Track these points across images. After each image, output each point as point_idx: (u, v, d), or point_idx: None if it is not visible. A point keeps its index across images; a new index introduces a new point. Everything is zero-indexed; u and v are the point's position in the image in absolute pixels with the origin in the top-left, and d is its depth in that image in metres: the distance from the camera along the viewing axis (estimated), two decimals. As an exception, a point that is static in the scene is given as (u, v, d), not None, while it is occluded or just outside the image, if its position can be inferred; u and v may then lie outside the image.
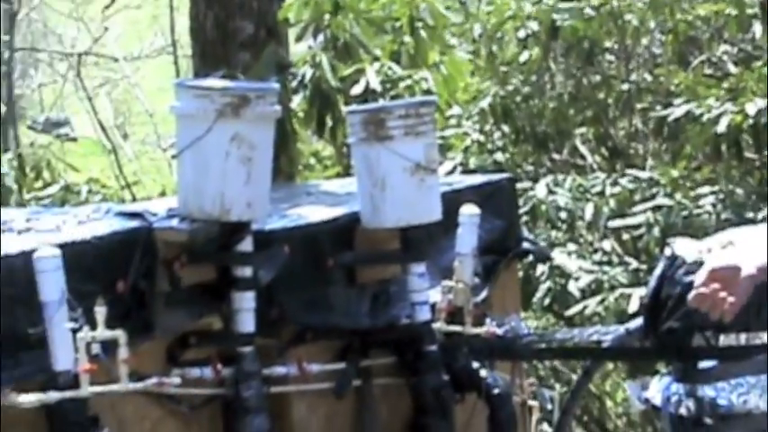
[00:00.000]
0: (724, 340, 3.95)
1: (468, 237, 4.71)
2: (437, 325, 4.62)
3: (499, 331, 4.76)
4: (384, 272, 4.63)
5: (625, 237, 8.01)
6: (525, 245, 5.38)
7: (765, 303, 3.79)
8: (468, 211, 4.72)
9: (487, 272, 5.05)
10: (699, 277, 2.73)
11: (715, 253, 3.96)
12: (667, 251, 4.17)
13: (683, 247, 4.09)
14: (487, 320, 4.77)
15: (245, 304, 4.03)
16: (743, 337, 3.96)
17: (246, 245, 4.02)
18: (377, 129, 4.39)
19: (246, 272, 4.02)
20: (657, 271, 4.10)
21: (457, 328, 4.64)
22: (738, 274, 2.74)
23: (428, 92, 7.07)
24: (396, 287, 4.59)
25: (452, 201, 4.74)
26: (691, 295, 2.72)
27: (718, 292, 2.71)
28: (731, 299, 2.72)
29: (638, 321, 4.17)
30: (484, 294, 4.95)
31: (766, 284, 2.80)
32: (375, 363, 4.58)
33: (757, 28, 8.19)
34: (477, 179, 5.48)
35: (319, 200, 5.00)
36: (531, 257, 5.26)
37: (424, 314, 4.56)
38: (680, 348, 3.96)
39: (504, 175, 5.63)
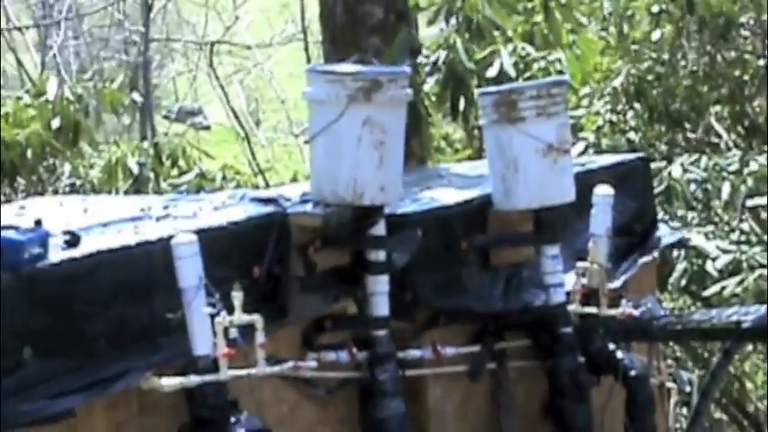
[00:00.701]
0: None
1: (602, 217, 4.66)
2: (572, 307, 4.59)
3: (635, 312, 4.71)
4: (517, 254, 4.61)
5: (763, 216, 7.85)
6: (660, 226, 5.31)
7: None
8: (602, 192, 4.67)
9: (622, 253, 5.00)
10: None
11: None
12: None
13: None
14: (623, 302, 4.72)
15: (379, 288, 4.04)
16: None
17: (380, 229, 4.04)
18: (508, 110, 4.37)
19: (380, 256, 4.04)
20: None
21: (592, 309, 4.60)
22: None
23: (561, 72, 7.01)
24: (529, 270, 4.57)
25: (586, 181, 4.70)
26: None
27: None
28: None
29: (779, 302, 4.09)
30: (622, 278, 4.90)
31: None
32: (510, 345, 4.57)
33: None
34: (611, 159, 5.42)
35: (451, 182, 5.00)
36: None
37: (558, 296, 4.53)
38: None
39: (638, 155, 5.57)
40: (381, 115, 3.88)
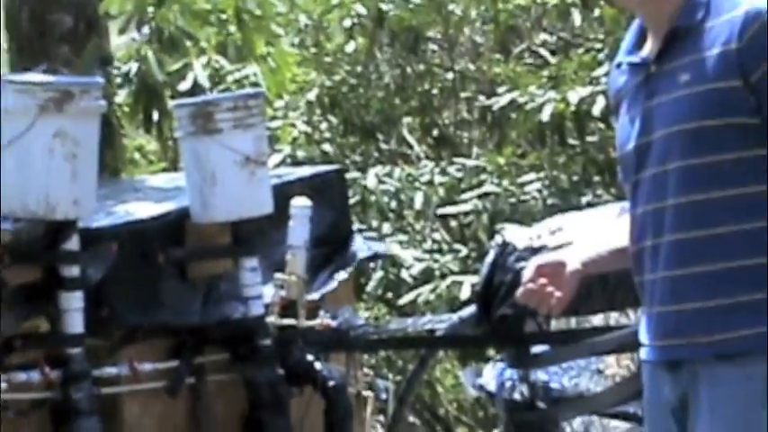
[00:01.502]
0: (555, 325, 4.01)
1: (299, 229, 4.67)
2: (271, 319, 4.58)
3: (333, 323, 4.74)
4: (216, 267, 4.57)
5: (453, 224, 8.07)
6: (357, 238, 5.38)
7: (592, 289, 3.84)
8: (300, 204, 4.68)
9: (320, 264, 5.03)
10: (526, 273, 2.76)
11: (545, 239, 4.01)
12: (498, 239, 4.21)
13: (514, 235, 4.13)
14: (321, 313, 4.75)
15: (73, 304, 3.92)
16: (573, 321, 4.02)
17: (73, 243, 3.92)
18: (205, 122, 4.32)
19: (73, 271, 3.92)
20: (489, 258, 4.13)
21: (291, 321, 4.61)
22: (564, 269, 2.77)
23: (256, 84, 7.00)
24: (228, 282, 4.54)
25: (283, 193, 4.70)
26: (519, 292, 2.75)
27: (545, 287, 2.74)
28: (558, 294, 2.75)
29: (471, 309, 4.20)
30: (320, 289, 4.93)
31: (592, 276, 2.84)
32: (209, 359, 4.51)
33: (576, 17, 8.33)
34: (307, 171, 5.45)
35: (147, 195, 4.91)
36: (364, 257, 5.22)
37: (257, 309, 4.51)
38: (512, 334, 4.00)
39: (334, 167, 5.62)
40: (73, 127, 3.77)
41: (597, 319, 4.00)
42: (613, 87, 2.83)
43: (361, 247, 5.42)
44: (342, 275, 5.11)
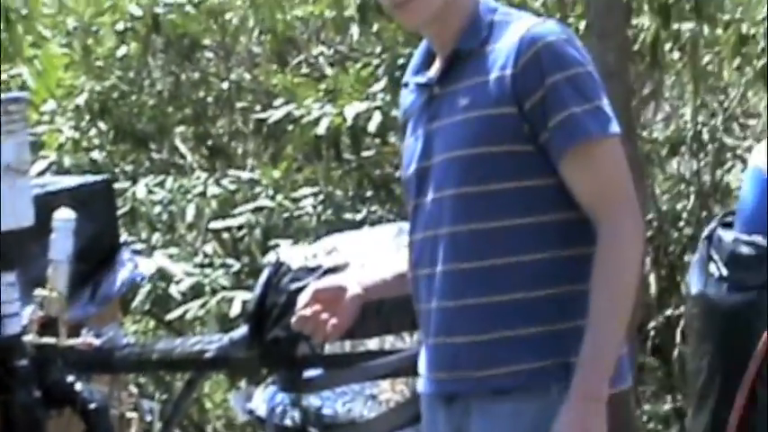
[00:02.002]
0: (329, 349, 3.88)
1: (62, 243, 4.43)
2: (28, 338, 4.32)
3: (96, 342, 4.51)
4: (-30, 282, 4.28)
5: (226, 237, 7.88)
6: (124, 252, 5.16)
7: (367, 312, 3.74)
8: (63, 216, 4.44)
9: (84, 279, 4.80)
10: (301, 299, 2.63)
11: (320, 259, 3.89)
12: (272, 258, 4.05)
13: (289, 254, 3.99)
14: (83, 331, 4.51)
15: None
16: (347, 345, 3.90)
17: None
18: (-39, 127, 4.04)
19: None
20: (262, 278, 3.98)
21: (50, 340, 4.35)
22: (343, 294, 2.66)
23: (24, 87, 6.68)
24: (-17, 299, 4.25)
25: (46, 204, 4.45)
26: (293, 319, 2.62)
27: (320, 314, 2.62)
28: (334, 320, 2.63)
29: (243, 330, 4.03)
30: (83, 305, 4.69)
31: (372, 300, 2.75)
32: (-41, 381, 4.23)
33: (354, 30, 8.25)
34: (73, 181, 5.20)
35: None
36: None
37: (13, 327, 4.24)
38: (285, 357, 3.85)
39: (101, 177, 5.39)
40: None
41: (372, 343, 3.89)
42: (402, 107, 2.75)
43: (128, 261, 5.20)
44: (106, 292, 4.88)
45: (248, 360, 3.90)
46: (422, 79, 2.64)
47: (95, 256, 4.94)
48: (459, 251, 2.51)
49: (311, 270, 3.78)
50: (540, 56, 2.48)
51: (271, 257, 4.07)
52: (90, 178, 5.37)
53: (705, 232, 3.71)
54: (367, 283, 2.71)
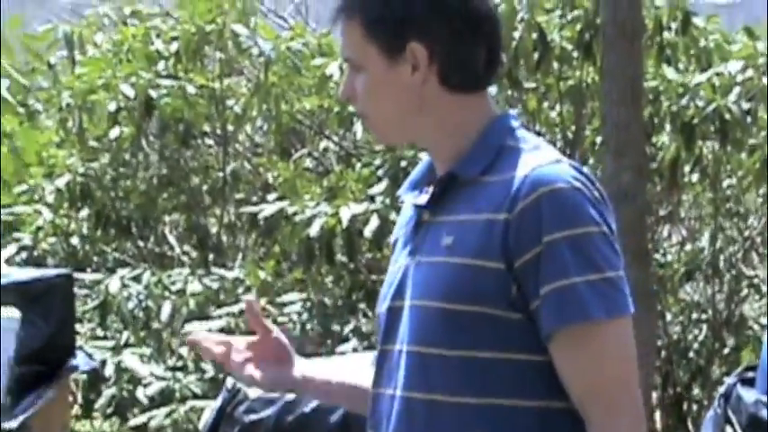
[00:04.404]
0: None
1: (5, 345, 4.00)
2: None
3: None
4: None
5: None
6: (79, 354, 4.68)
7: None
8: (7, 315, 4.02)
9: (28, 385, 4.32)
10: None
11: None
12: (228, 382, 3.56)
13: (247, 380, 3.48)
14: (19, 447, 4.02)
15: None
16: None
17: None
18: None
19: None
20: (216, 404, 3.50)
21: (-22, 455, 3.87)
22: (284, 360, 2.32)
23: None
24: None
25: (-10, 300, 4.00)
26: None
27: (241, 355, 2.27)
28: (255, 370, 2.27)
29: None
30: (24, 415, 4.22)
31: None
32: None
33: (359, 127, 7.84)
34: (27, 274, 4.76)
35: None
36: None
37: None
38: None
39: (59, 271, 4.96)
40: None
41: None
42: (399, 221, 2.24)
43: (83, 363, 4.74)
44: (50, 395, 4.41)
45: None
46: (415, 198, 2.16)
47: (46, 359, 4.48)
48: (411, 424, 2.04)
49: (269, 401, 3.30)
50: (540, 205, 1.99)
51: (227, 382, 3.56)
52: (48, 272, 4.94)
53: (722, 389, 3.30)
54: (313, 375, 2.26)
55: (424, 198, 2.13)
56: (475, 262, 2.00)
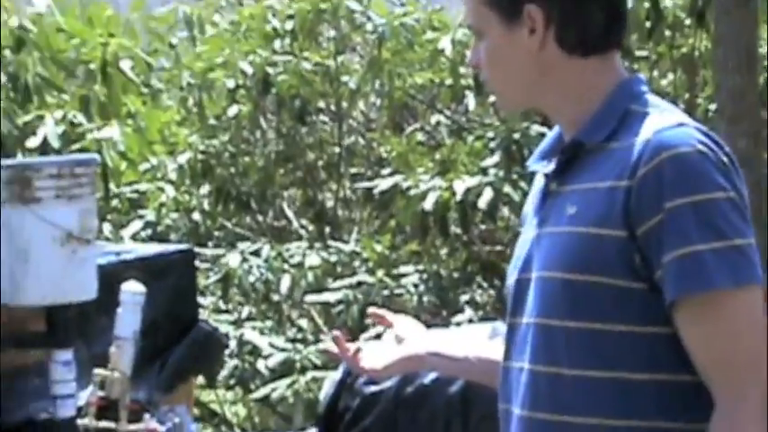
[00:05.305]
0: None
1: (129, 319, 4.07)
2: (85, 421, 3.96)
3: (161, 428, 4.14)
4: (24, 358, 3.95)
5: (318, 311, 7.50)
6: (201, 326, 4.79)
7: (452, 422, 3.32)
8: (131, 289, 4.08)
9: (152, 358, 4.43)
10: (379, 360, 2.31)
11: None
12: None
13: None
14: (146, 416, 4.13)
15: None
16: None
17: None
18: (22, 189, 3.73)
19: None
20: (336, 376, 3.57)
21: (109, 425, 3.99)
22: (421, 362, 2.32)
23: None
24: (36, 377, 3.92)
25: (116, 274, 4.12)
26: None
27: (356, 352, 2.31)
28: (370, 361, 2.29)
29: (312, 432, 3.64)
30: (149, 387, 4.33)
31: None
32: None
33: (471, 100, 7.87)
34: (151, 249, 4.87)
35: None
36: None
37: (67, 410, 3.89)
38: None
39: (181, 246, 5.06)
40: None
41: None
42: (530, 193, 2.21)
43: (205, 337, 4.82)
44: (177, 372, 4.52)
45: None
46: (543, 168, 2.13)
47: (168, 333, 4.58)
48: (536, 397, 2.04)
49: (390, 372, 3.35)
50: (663, 170, 1.93)
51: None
52: (170, 247, 5.04)
53: None
54: (440, 350, 2.28)
55: (550, 167, 2.10)
56: (597, 231, 1.96)
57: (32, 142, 5.90)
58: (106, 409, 4.02)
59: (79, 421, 3.95)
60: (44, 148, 5.94)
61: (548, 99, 2.10)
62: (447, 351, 2.30)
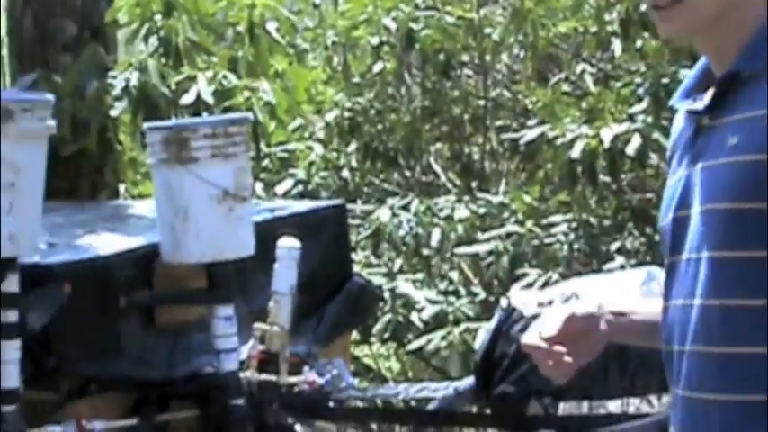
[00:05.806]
0: (564, 409, 3.46)
1: (286, 273, 4.16)
2: (247, 374, 4.06)
3: (319, 380, 4.22)
4: (186, 314, 4.06)
5: (467, 262, 7.52)
6: (356, 280, 4.85)
7: (609, 370, 3.31)
8: (287, 245, 4.17)
9: (310, 312, 4.51)
10: (550, 325, 2.18)
11: (557, 306, 3.46)
12: (503, 302, 3.65)
13: (522, 298, 3.58)
14: (306, 368, 4.22)
15: (9, 355, 3.42)
16: (584, 406, 3.47)
17: (11, 284, 3.41)
18: (179, 149, 3.82)
19: (11, 316, 3.42)
20: (492, 324, 3.59)
21: (270, 377, 4.09)
22: (595, 325, 2.20)
23: (268, 104, 6.48)
24: (199, 332, 4.02)
25: (272, 230, 4.21)
26: (523, 339, 2.20)
27: (562, 355, 2.17)
28: (568, 358, 2.18)
29: (470, 381, 3.66)
30: (306, 341, 4.41)
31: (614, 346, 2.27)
32: (174, 417, 4.00)
33: (617, 47, 7.78)
34: (304, 206, 4.94)
35: (124, 226, 4.40)
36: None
37: (230, 363, 3.99)
38: (514, 416, 3.45)
39: (333, 202, 5.10)
40: (12, 151, 3.26)
41: (614, 405, 3.44)
42: (671, 136, 2.21)
43: (360, 290, 4.88)
44: (334, 325, 4.59)
45: (473, 416, 3.52)
46: (691, 105, 2.08)
47: (323, 287, 4.66)
48: (709, 332, 2.02)
49: (546, 318, 3.36)
50: None
51: (502, 302, 3.66)
52: (322, 203, 5.10)
53: None
54: (619, 320, 2.23)
55: (701, 103, 2.05)
56: (764, 158, 1.92)
57: (186, 99, 6.00)
58: (266, 362, 4.12)
59: (241, 374, 4.05)
60: (197, 106, 6.04)
61: (727, 24, 2.04)
62: (624, 320, 2.25)
